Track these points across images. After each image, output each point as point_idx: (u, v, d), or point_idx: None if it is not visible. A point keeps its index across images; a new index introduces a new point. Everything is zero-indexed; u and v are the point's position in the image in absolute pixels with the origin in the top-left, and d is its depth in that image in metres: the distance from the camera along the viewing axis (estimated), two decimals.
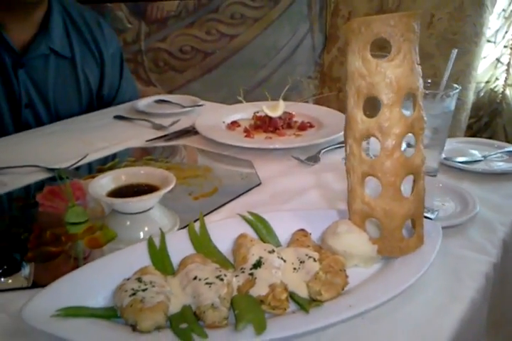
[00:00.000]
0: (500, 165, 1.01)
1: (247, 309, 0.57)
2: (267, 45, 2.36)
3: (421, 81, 0.65)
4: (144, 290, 0.59)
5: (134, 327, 0.54)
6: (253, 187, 0.94)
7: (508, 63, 1.95)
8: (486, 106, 1.95)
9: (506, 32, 1.86)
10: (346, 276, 0.64)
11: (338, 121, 1.22)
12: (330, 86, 1.82)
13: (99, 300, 0.61)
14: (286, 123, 1.23)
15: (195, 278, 0.61)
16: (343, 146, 1.12)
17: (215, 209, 0.87)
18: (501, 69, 1.98)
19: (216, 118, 1.29)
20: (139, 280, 0.61)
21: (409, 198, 0.67)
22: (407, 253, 0.68)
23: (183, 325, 0.55)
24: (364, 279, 0.66)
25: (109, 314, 0.58)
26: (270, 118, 1.21)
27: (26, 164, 1.03)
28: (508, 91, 1.96)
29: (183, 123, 1.31)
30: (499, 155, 1.06)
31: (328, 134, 1.14)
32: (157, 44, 2.24)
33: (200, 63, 2.36)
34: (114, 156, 1.12)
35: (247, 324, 0.54)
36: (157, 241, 0.70)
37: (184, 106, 1.46)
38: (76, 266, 0.65)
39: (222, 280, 0.60)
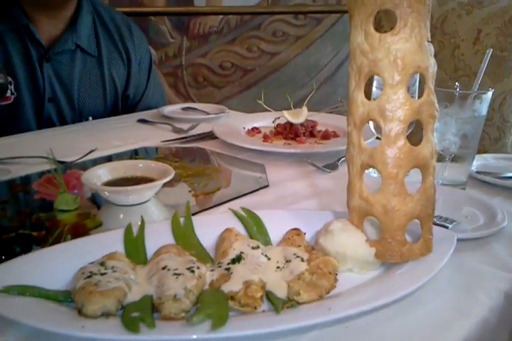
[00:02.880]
0: None
1: (211, 303, 0.50)
2: (308, 64, 2.33)
3: (432, 61, 0.57)
4: (102, 274, 0.53)
5: (79, 311, 0.49)
6: (259, 189, 0.88)
7: None
8: None
9: None
10: (335, 280, 0.56)
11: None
12: None
13: (60, 282, 0.56)
14: (309, 131, 1.16)
15: (164, 267, 0.55)
16: None
17: (213, 206, 0.81)
18: None
19: (237, 123, 1.25)
20: (102, 264, 0.56)
21: (414, 195, 0.59)
22: (408, 260, 0.59)
23: (135, 314, 0.48)
24: (356, 285, 0.57)
25: (62, 296, 0.53)
26: (291, 124, 1.15)
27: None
28: None
29: (203, 128, 1.27)
30: None
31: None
32: (198, 59, 2.26)
33: (239, 80, 2.35)
34: (123, 154, 1.09)
35: (204, 318, 0.47)
36: (136, 230, 0.65)
37: (209, 114, 1.43)
38: None
39: (193, 272, 0.54)
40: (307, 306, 0.51)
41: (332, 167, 0.99)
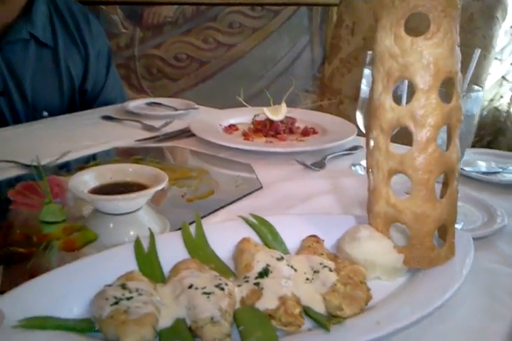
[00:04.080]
0: None
1: (255, 325, 0.47)
2: (265, 57, 2.30)
3: (459, 65, 0.57)
4: (128, 298, 0.48)
5: None
6: (254, 191, 0.85)
7: None
8: (489, 125, 1.89)
9: None
10: (368, 289, 0.54)
11: (343, 128, 1.15)
12: (330, 98, 1.75)
13: (73, 309, 0.50)
14: (288, 128, 1.14)
15: (190, 286, 0.51)
16: (350, 153, 1.06)
17: (212, 211, 0.77)
18: (506, 87, 1.93)
19: (212, 120, 1.20)
20: (123, 286, 0.50)
21: (442, 201, 0.58)
22: (436, 265, 0.58)
23: None
24: (388, 293, 0.56)
25: (84, 326, 0.47)
26: (271, 122, 1.13)
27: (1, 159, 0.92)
28: None
29: (176, 126, 1.22)
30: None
31: (335, 140, 1.05)
32: (151, 50, 2.16)
33: (195, 72, 2.28)
34: (97, 155, 1.02)
35: None
36: (146, 244, 0.60)
37: (178, 109, 1.37)
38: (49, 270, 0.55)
39: (222, 289, 0.51)
40: (353, 321, 0.49)
41: (320, 165, 0.98)
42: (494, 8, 1.44)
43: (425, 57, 0.53)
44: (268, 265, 0.55)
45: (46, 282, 0.52)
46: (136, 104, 1.42)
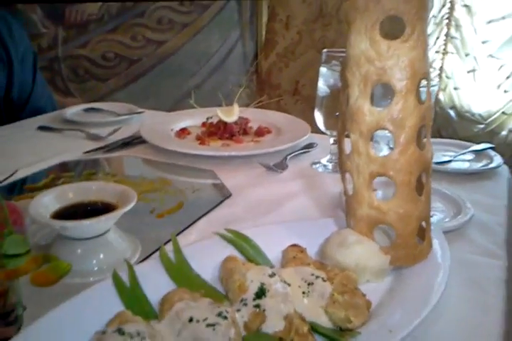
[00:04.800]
0: (476, 164, 0.98)
1: None
2: (198, 52, 2.25)
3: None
4: None
5: None
6: (224, 200, 0.82)
7: (441, 68, 2.00)
8: None
9: (438, 38, 1.91)
10: (364, 295, 0.55)
11: (296, 126, 1.15)
12: (269, 93, 1.75)
13: None
14: (243, 129, 1.12)
15: (191, 319, 0.47)
16: (308, 151, 1.07)
17: (187, 227, 0.73)
18: (433, 74, 2.03)
19: (162, 125, 1.16)
20: (121, 332, 0.46)
21: (421, 199, 0.59)
22: (419, 261, 0.60)
23: None
24: (381, 295, 0.57)
25: None
26: (225, 123, 1.10)
27: None
28: (441, 96, 2.00)
29: (123, 133, 1.16)
30: (466, 154, 1.03)
31: (292, 139, 1.05)
32: (76, 50, 2.04)
33: (125, 71, 2.18)
34: (46, 172, 0.95)
35: None
36: (124, 276, 0.55)
37: (120, 115, 1.30)
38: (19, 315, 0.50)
39: (225, 318, 0.47)
40: (367, 334, 0.48)
41: (282, 166, 0.97)
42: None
43: (402, 60, 0.54)
44: (263, 284, 0.53)
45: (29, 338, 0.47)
46: (73, 111, 1.33)
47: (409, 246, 0.59)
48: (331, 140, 0.96)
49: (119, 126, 1.19)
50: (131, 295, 0.53)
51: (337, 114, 0.92)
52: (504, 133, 1.73)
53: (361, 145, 0.58)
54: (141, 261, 0.65)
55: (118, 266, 0.59)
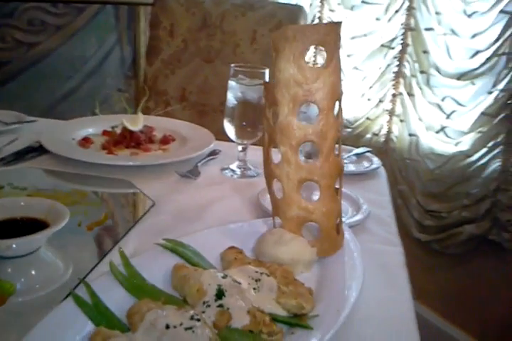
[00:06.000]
0: (361, 166, 1.13)
1: None
2: (73, 56, 2.15)
3: None
4: None
5: None
6: (149, 209, 0.85)
7: None
8: None
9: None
10: (303, 284, 0.63)
11: (199, 134, 1.20)
12: (156, 99, 1.77)
13: None
14: (148, 137, 1.14)
15: (167, 326, 0.50)
16: (214, 158, 1.13)
17: (121, 238, 0.75)
18: None
19: (63, 135, 1.13)
20: None
21: (338, 198, 0.70)
22: (338, 250, 0.70)
23: None
24: (314, 283, 0.65)
25: None
26: (131, 132, 1.12)
27: None
28: None
29: (16, 144, 1.10)
30: (350, 157, 1.18)
31: (200, 146, 1.10)
32: None
33: None
34: None
35: None
36: (81, 293, 0.56)
37: (8, 123, 1.23)
38: None
39: (198, 320, 0.51)
40: (320, 317, 0.56)
41: (195, 173, 1.02)
42: (298, 13, 1.65)
43: (325, 83, 0.63)
44: (220, 285, 0.57)
45: None
46: None
47: (331, 238, 0.70)
48: (239, 147, 1.04)
49: (14, 136, 1.13)
50: (98, 313, 0.54)
51: (244, 123, 1.01)
52: (369, 136, 1.99)
53: (290, 156, 0.67)
54: (85, 276, 0.65)
55: (51, 283, 0.61)
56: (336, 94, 0.65)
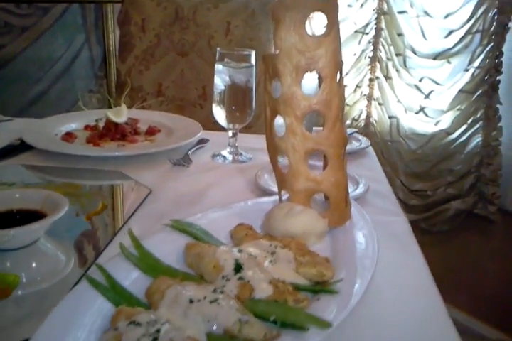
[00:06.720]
0: (352, 145, 1.13)
1: (280, 310, 0.49)
2: (40, 57, 2.09)
3: None
4: (157, 331, 0.45)
5: None
6: (147, 196, 0.83)
7: None
8: None
9: None
10: (317, 254, 0.62)
11: (184, 124, 1.19)
12: (132, 96, 1.73)
13: None
14: (133, 129, 1.12)
15: (191, 301, 0.48)
16: (203, 146, 1.11)
17: (123, 225, 0.72)
18: None
19: (45, 131, 1.09)
20: (136, 323, 0.45)
21: (344, 168, 0.69)
22: (347, 220, 0.69)
23: None
24: (329, 253, 0.64)
25: None
26: (116, 125, 1.09)
27: None
28: None
29: None
30: None
31: (188, 135, 1.08)
32: None
33: None
34: None
35: (308, 324, 0.46)
36: (98, 277, 0.54)
37: None
38: None
39: (222, 293, 0.50)
40: (344, 281, 0.54)
41: (187, 161, 1.00)
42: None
43: (327, 51, 0.63)
44: (237, 259, 0.56)
45: None
46: None
47: (341, 209, 0.69)
48: (230, 133, 1.03)
49: None
50: (116, 293, 0.52)
51: (233, 107, 1.00)
52: (348, 122, 2.00)
53: (296, 127, 0.66)
54: (95, 260, 0.63)
55: (54, 274, 0.60)
56: (338, 62, 0.65)
